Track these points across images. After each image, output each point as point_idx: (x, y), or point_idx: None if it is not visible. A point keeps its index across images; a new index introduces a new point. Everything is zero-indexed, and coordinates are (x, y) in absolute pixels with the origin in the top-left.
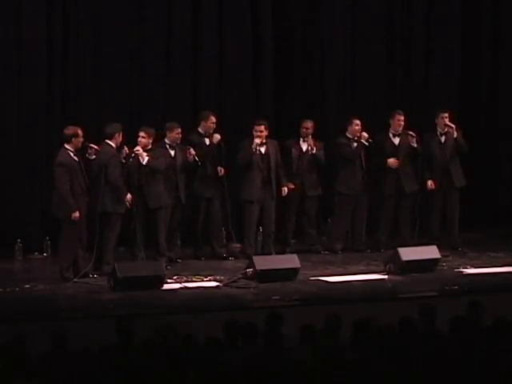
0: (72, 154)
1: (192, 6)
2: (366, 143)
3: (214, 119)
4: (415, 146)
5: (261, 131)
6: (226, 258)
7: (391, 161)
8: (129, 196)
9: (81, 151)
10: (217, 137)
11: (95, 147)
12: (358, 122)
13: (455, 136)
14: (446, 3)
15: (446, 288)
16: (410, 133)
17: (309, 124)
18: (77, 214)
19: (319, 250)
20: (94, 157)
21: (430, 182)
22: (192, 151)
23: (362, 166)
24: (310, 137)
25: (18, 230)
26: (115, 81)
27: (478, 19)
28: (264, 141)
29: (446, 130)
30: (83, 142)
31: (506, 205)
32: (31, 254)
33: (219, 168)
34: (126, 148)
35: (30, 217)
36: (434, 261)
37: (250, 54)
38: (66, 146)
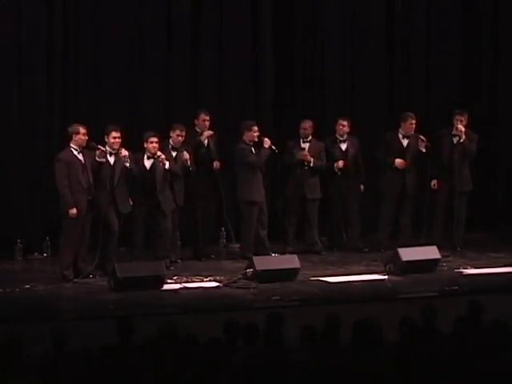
0: (75, 152)
1: (192, 6)
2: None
3: (205, 117)
4: (423, 150)
5: (258, 131)
6: (223, 258)
7: (398, 161)
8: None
9: (88, 150)
10: (206, 134)
11: (102, 149)
12: (344, 122)
13: (461, 140)
14: (446, 3)
15: (446, 288)
16: (421, 137)
17: (307, 124)
18: (74, 211)
19: (319, 251)
20: (104, 160)
21: (433, 182)
22: (185, 155)
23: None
24: (306, 151)
25: (18, 231)
26: (115, 81)
27: (478, 19)
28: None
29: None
30: (88, 141)
31: (506, 205)
32: (31, 254)
33: (215, 163)
34: (123, 150)
35: (30, 217)
36: (434, 261)
37: (250, 54)
38: (70, 144)
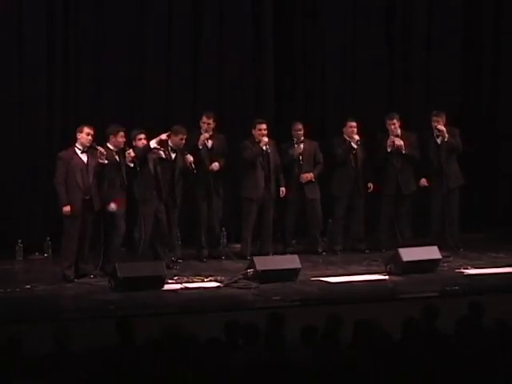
0: (79, 152)
1: (192, 6)
2: (355, 145)
3: (207, 120)
4: (403, 152)
5: (264, 129)
6: (222, 258)
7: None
8: None
9: (91, 151)
10: (202, 137)
11: (101, 150)
12: (353, 123)
13: (445, 139)
14: (447, 3)
15: (447, 288)
16: (394, 139)
17: (300, 126)
18: (67, 208)
19: (321, 252)
20: (107, 161)
21: (423, 180)
22: (189, 158)
23: (354, 168)
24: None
25: (18, 231)
26: (116, 81)
27: (479, 18)
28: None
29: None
30: (91, 142)
31: (506, 205)
32: (32, 254)
33: (213, 164)
34: (131, 150)
35: (30, 217)
36: (435, 261)
37: (250, 54)
38: (76, 143)
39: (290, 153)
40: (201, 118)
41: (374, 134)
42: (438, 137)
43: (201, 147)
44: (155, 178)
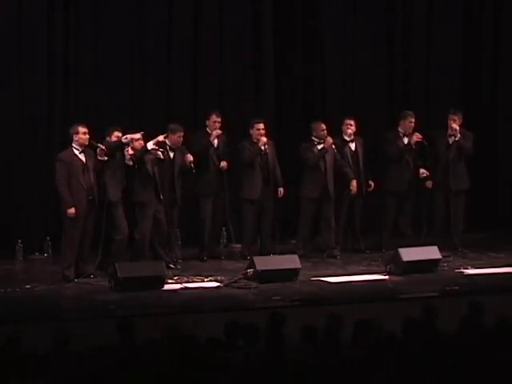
0: (77, 152)
1: (192, 6)
2: (348, 138)
3: (216, 118)
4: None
5: (262, 129)
6: (222, 258)
7: (422, 171)
8: None
9: (90, 149)
10: (215, 133)
11: (102, 147)
12: (351, 122)
13: (457, 139)
14: (447, 2)
15: (447, 288)
16: (417, 134)
17: (324, 126)
18: (72, 210)
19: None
20: (106, 158)
21: (428, 182)
22: (189, 157)
23: (357, 166)
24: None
25: (18, 231)
26: (116, 81)
27: (479, 18)
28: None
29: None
30: (89, 140)
31: (506, 205)
32: (32, 254)
33: (222, 162)
34: (129, 149)
35: (30, 217)
36: (435, 261)
37: (250, 54)
38: (72, 144)
39: (314, 151)
40: (209, 118)
41: (375, 133)
42: (450, 136)
43: (216, 145)
44: (153, 179)
